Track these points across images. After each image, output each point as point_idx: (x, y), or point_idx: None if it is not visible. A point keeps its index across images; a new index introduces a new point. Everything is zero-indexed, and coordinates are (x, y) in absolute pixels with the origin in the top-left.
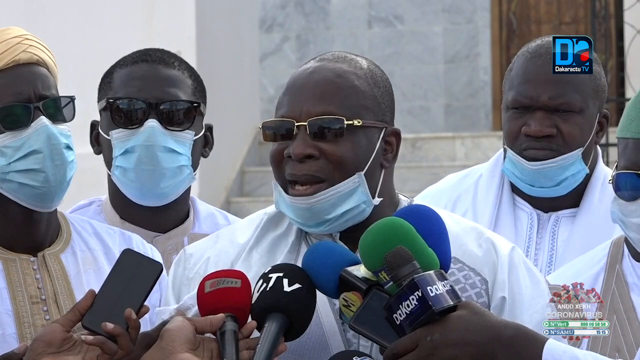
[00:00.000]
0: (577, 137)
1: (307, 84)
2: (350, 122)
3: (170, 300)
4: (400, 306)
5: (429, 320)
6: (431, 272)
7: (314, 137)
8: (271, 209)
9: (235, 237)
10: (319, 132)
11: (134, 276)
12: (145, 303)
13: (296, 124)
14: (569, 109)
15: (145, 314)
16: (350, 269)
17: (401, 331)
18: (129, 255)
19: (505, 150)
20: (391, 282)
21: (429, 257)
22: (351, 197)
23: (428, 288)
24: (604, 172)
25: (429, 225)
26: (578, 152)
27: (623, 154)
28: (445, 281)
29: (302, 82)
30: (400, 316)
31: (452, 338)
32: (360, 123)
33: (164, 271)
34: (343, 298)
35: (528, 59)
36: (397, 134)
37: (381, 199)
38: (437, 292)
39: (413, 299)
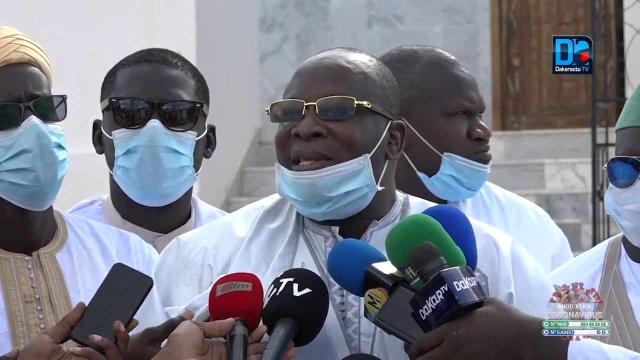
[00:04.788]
0: None
1: (318, 68)
2: (360, 102)
3: (154, 291)
4: (426, 301)
5: (455, 316)
6: (457, 267)
7: (323, 117)
8: (267, 201)
9: (232, 230)
10: (328, 111)
11: (124, 289)
12: None
13: (305, 104)
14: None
15: (134, 327)
16: (376, 265)
17: (427, 327)
18: (119, 269)
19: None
20: (417, 279)
21: (456, 253)
22: (356, 177)
23: (454, 283)
24: None
25: (456, 224)
26: None
27: (620, 143)
28: (472, 277)
29: (313, 66)
30: (426, 311)
31: (477, 333)
32: (370, 106)
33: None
34: (368, 295)
35: (451, 65)
36: (402, 128)
37: (383, 187)
38: (463, 288)
39: (439, 294)
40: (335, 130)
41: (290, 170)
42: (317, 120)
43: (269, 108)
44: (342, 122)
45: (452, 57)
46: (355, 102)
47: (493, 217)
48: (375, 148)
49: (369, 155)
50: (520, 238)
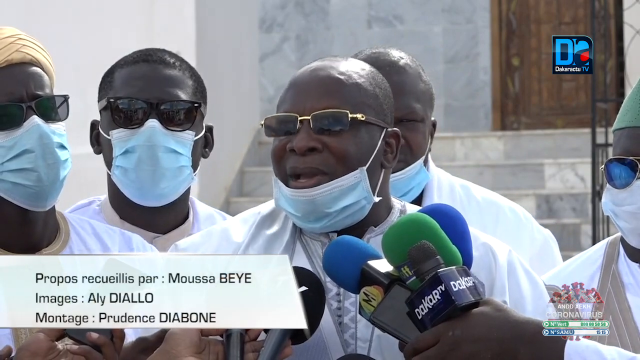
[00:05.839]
0: (422, 146)
1: (311, 81)
2: (354, 115)
3: None
4: (423, 301)
5: (451, 316)
6: (454, 267)
7: (317, 131)
8: (265, 207)
9: (230, 236)
10: (323, 125)
11: None
12: None
13: (299, 118)
14: (413, 119)
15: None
16: (372, 263)
17: (422, 326)
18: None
19: None
20: (413, 277)
21: (452, 253)
22: (353, 191)
23: (451, 283)
24: (437, 174)
25: (453, 224)
26: (421, 160)
27: (617, 144)
28: (468, 277)
29: (306, 79)
30: (422, 311)
31: (474, 334)
32: (364, 118)
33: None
34: (364, 292)
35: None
36: (397, 136)
37: (380, 197)
38: (460, 288)
39: (436, 294)
40: (330, 144)
41: (288, 187)
42: (312, 135)
43: (262, 122)
44: (337, 136)
45: (388, 63)
46: (350, 115)
47: (470, 218)
48: (371, 160)
49: (364, 168)
50: (497, 238)
